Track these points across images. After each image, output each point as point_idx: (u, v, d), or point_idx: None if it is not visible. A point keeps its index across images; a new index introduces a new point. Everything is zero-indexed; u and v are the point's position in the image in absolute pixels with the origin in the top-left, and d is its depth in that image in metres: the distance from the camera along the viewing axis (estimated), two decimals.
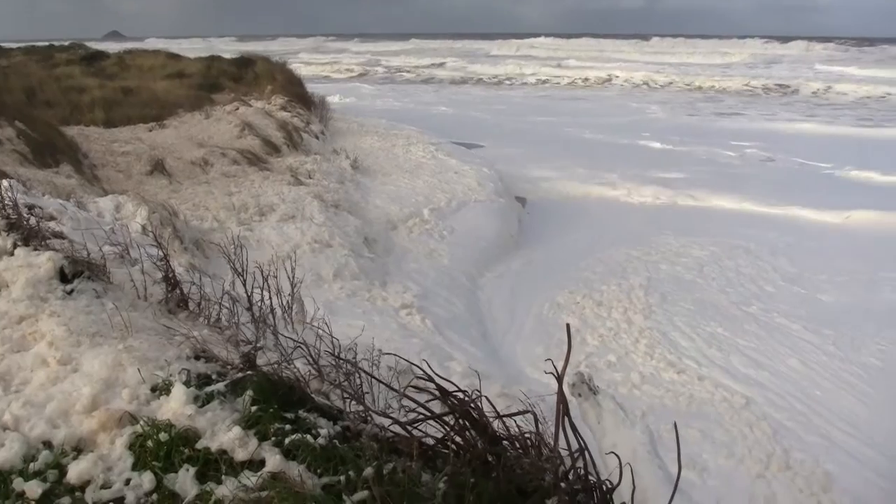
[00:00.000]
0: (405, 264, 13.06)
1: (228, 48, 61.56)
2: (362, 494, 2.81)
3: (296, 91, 27.44)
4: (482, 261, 14.32)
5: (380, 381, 3.41)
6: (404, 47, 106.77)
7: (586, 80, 66.09)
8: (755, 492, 8.29)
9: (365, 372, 3.55)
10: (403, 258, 13.35)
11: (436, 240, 14.38)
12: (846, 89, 53.32)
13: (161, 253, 5.38)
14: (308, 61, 78.44)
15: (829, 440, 9.55)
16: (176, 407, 3.44)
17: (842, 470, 8.88)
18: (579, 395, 5.07)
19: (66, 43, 55.79)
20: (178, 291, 5.14)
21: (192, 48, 71.70)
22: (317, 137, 22.41)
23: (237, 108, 22.27)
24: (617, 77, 66.31)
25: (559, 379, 2.82)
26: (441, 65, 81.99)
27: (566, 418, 2.91)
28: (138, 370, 3.76)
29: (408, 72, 77.72)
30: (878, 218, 18.22)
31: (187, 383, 3.63)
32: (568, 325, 2.69)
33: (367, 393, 3.61)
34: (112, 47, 47.12)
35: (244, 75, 30.53)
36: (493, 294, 13.20)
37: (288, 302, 5.79)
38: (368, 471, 2.90)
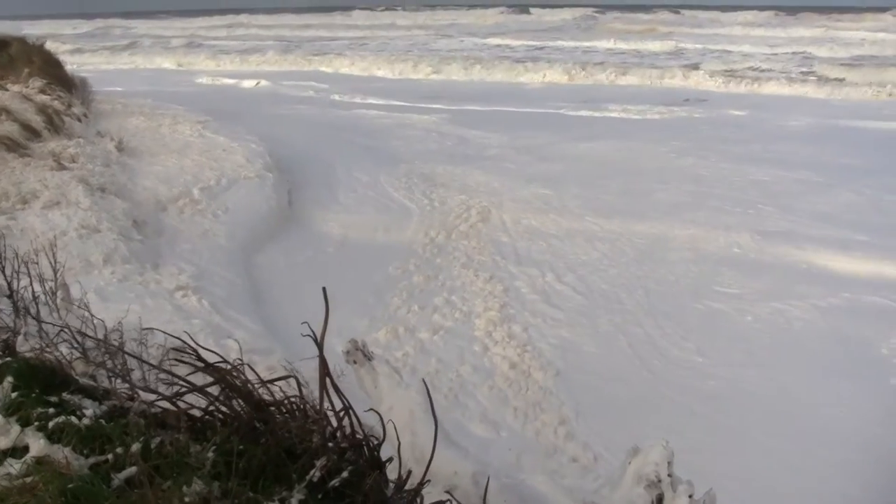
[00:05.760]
0: (178, 245, 12.76)
1: None
2: (130, 471, 2.83)
3: (55, 73, 25.99)
4: (260, 238, 14.19)
5: (131, 356, 3.41)
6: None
7: None
8: (542, 443, 8.76)
9: (123, 351, 3.54)
10: (176, 239, 13.04)
11: (209, 219, 14.12)
12: None
13: None
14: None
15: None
16: None
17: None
18: (354, 362, 5.20)
19: None
20: None
21: None
22: (79, 120, 21.40)
23: None
24: None
25: (318, 343, 2.93)
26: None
27: (330, 381, 3.02)
28: None
29: None
30: None
31: None
32: (324, 289, 2.79)
33: (134, 370, 3.60)
34: None
35: None
36: (283, 269, 13.19)
37: (52, 288, 5.63)
38: (135, 447, 2.92)
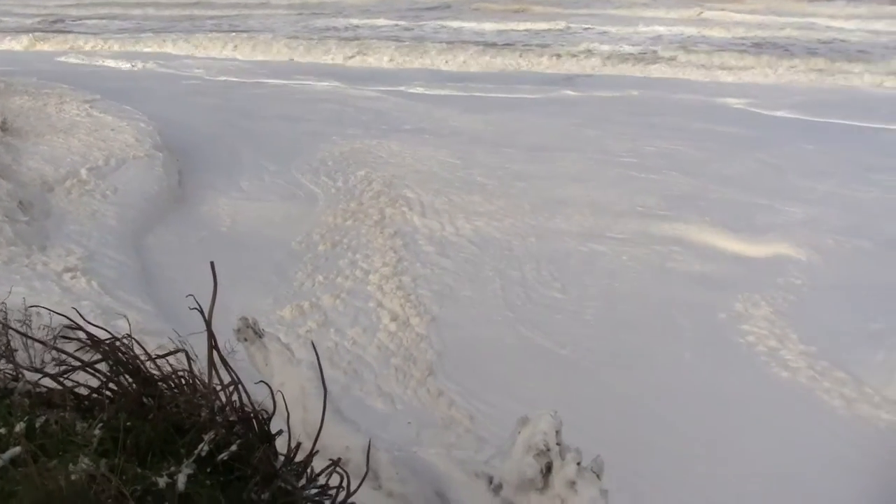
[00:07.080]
0: (66, 227, 12.44)
1: None
2: (13, 451, 2.80)
3: None
4: (152, 219, 13.90)
5: (16, 332, 3.37)
6: None
7: None
8: (429, 409, 8.87)
9: (7, 326, 3.49)
10: (63, 220, 12.70)
11: (98, 200, 13.77)
12: None
13: None
14: None
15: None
16: None
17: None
18: (245, 339, 5.21)
19: None
20: None
21: None
22: None
23: None
24: None
25: (205, 317, 2.94)
26: None
27: (218, 355, 3.05)
28: None
29: None
30: None
31: None
32: (212, 263, 2.80)
33: (18, 351, 3.55)
34: None
35: None
36: (176, 251, 12.95)
37: None
38: (19, 427, 2.89)
